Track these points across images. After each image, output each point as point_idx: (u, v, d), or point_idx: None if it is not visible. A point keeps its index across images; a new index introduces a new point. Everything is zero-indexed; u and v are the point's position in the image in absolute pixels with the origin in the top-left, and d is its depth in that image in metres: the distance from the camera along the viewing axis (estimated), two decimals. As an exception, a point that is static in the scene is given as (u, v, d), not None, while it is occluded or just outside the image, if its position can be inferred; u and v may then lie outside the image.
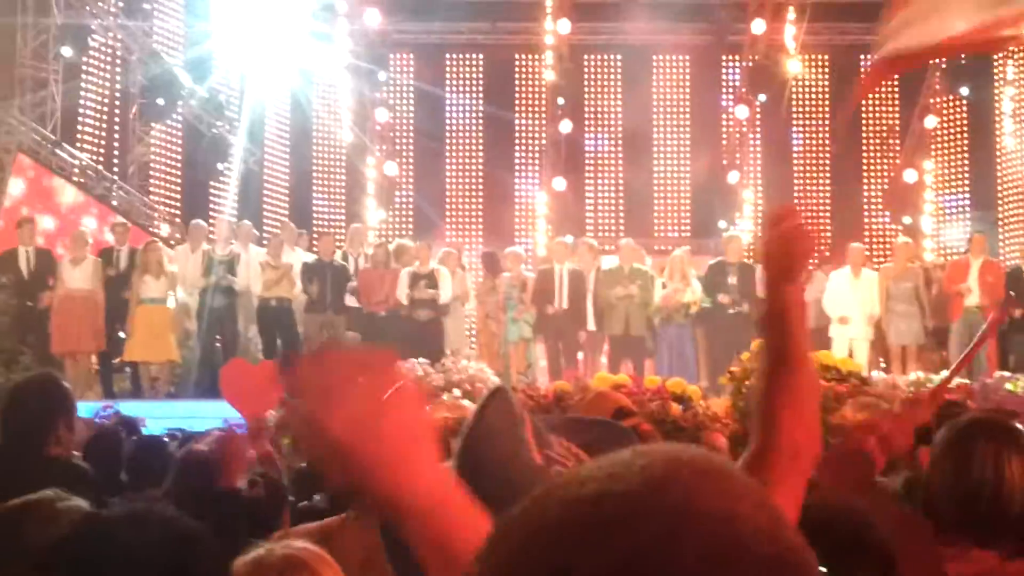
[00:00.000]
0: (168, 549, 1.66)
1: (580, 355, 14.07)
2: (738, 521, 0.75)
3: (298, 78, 18.85)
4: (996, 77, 18.95)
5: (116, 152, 17.48)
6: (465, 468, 1.39)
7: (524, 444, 1.48)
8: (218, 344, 13.92)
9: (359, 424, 1.12)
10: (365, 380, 1.14)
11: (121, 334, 13.67)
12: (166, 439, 5.28)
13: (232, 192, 17.53)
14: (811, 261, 1.98)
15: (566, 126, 18.81)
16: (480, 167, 19.97)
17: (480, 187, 20.00)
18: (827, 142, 20.35)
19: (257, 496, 4.49)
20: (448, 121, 20.20)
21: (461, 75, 20.33)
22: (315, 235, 15.99)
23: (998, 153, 19.19)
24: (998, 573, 2.60)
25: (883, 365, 13.86)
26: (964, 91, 18.74)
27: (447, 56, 20.29)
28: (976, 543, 2.63)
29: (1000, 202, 19.12)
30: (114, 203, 16.61)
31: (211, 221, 15.64)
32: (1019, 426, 2.89)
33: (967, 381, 11.45)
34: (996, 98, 18.93)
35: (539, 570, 0.74)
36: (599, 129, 20.14)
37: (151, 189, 17.85)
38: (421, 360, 12.15)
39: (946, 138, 19.88)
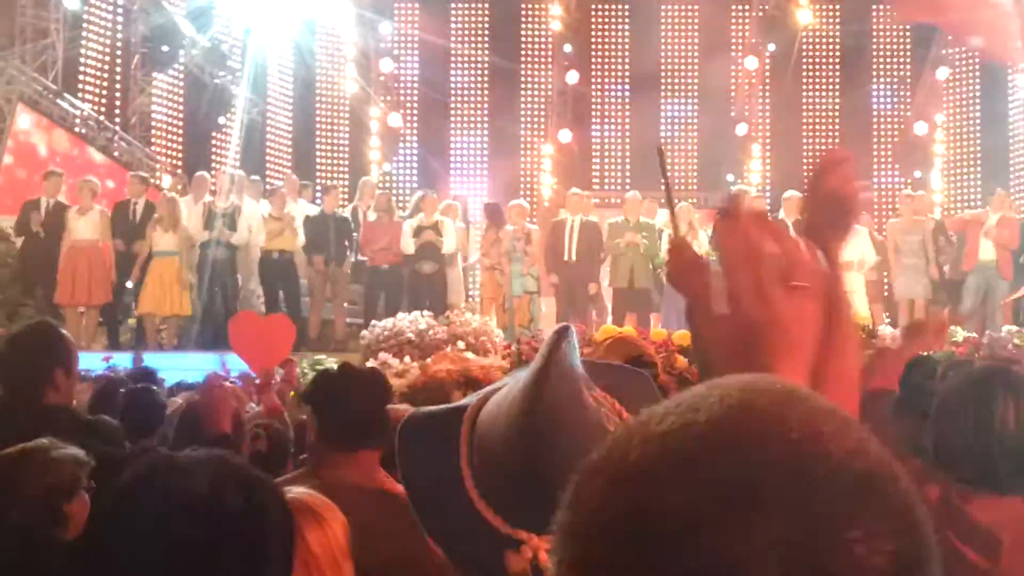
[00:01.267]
0: (242, 495, 1.65)
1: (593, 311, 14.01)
2: (825, 440, 0.74)
3: (301, 28, 18.67)
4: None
5: (118, 103, 17.36)
6: (540, 406, 1.30)
7: (586, 385, 1.43)
8: (218, 297, 13.86)
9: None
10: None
11: (128, 284, 13.62)
12: (155, 389, 5.24)
13: (234, 144, 17.39)
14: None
15: (572, 77, 18.63)
16: (485, 119, 19.80)
17: (485, 139, 19.84)
18: (837, 94, 20.16)
19: (260, 449, 4.46)
20: (453, 72, 20.00)
21: (466, 25, 20.10)
22: (318, 187, 15.91)
23: (1010, 105, 18.98)
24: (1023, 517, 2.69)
25: (887, 320, 13.79)
26: (976, 42, 18.50)
27: (452, 5, 20.06)
28: (998, 491, 2.71)
29: (1011, 154, 18.93)
30: (116, 154, 16.50)
31: (213, 172, 15.56)
32: None
33: (974, 334, 11.39)
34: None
35: (628, 510, 0.74)
36: (606, 80, 19.95)
37: (152, 140, 17.73)
38: (425, 312, 12.10)
39: (958, 90, 19.66)
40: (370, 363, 10.13)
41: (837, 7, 20.07)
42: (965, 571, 2.65)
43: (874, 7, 20.19)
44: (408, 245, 13.83)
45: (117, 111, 17.24)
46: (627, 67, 20.05)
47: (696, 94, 20.08)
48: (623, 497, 0.74)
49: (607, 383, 1.53)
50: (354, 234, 14.21)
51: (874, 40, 20.28)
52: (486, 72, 19.88)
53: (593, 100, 19.78)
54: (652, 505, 0.73)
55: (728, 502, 0.71)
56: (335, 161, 19.60)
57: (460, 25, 20.07)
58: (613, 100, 19.99)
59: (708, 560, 0.71)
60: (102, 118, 16.69)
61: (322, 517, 2.45)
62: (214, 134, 17.99)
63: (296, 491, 2.60)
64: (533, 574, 1.22)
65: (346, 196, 16.24)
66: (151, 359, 10.28)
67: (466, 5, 20.07)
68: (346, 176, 18.55)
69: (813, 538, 0.71)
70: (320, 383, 3.61)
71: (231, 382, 6.52)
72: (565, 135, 18.39)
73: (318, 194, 15.20)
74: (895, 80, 20.04)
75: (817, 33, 19.77)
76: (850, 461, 0.74)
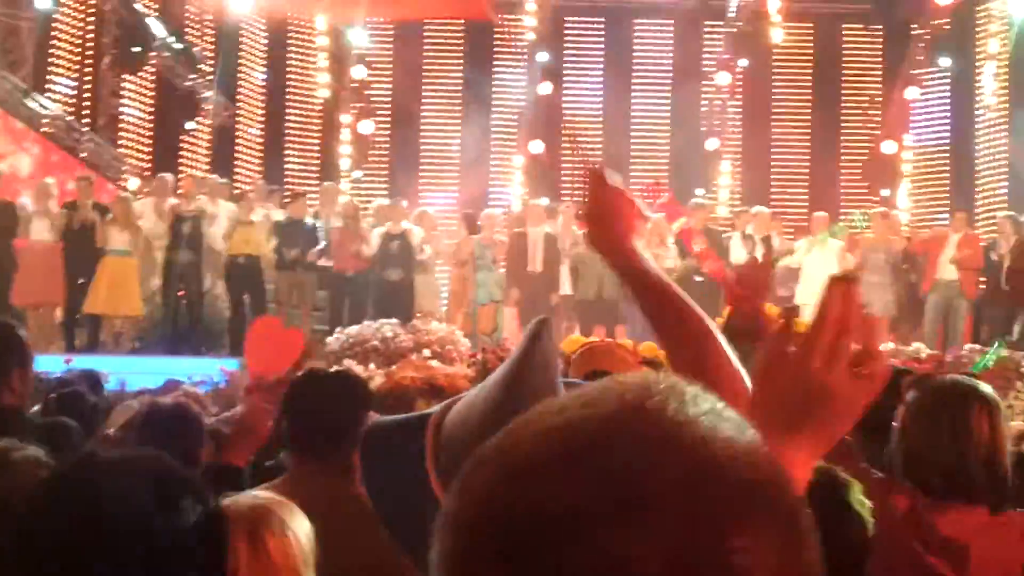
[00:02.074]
0: (158, 494, 1.57)
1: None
2: (716, 445, 0.74)
3: (274, 34, 18.63)
4: (979, 50, 18.88)
5: (87, 104, 17.25)
6: (514, 398, 1.29)
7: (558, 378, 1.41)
8: (182, 301, 13.76)
9: None
10: None
11: (80, 281, 13.50)
12: (86, 393, 5.08)
13: (204, 147, 17.31)
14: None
15: (545, 88, 18.63)
16: (457, 128, 19.77)
17: (456, 148, 19.81)
18: (807, 111, 20.27)
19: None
20: (425, 79, 19.98)
21: (440, 33, 20.08)
22: (287, 193, 15.83)
23: (977, 125, 19.14)
24: (990, 526, 2.72)
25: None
26: (945, 62, 18.67)
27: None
28: (966, 502, 2.74)
29: (978, 175, 19.09)
30: (83, 155, 16.38)
31: (180, 175, 15.48)
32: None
33: (938, 352, 11.47)
34: (978, 71, 18.85)
35: (514, 502, 0.73)
36: (578, 92, 19.97)
37: (121, 142, 17.61)
38: (391, 320, 12.07)
39: (927, 110, 19.81)
40: (334, 370, 10.10)
41: (809, 25, 20.19)
42: None
43: (845, 26, 20.33)
44: (377, 252, 13.80)
45: (86, 112, 17.14)
46: (600, 79, 20.08)
47: (668, 108, 20.14)
48: (511, 489, 0.74)
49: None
50: (322, 241, 14.15)
51: (845, 58, 20.42)
52: (459, 81, 19.87)
53: (565, 112, 19.80)
54: (539, 499, 0.72)
55: (615, 502, 0.71)
56: (305, 167, 19.51)
57: (433, 33, 20.06)
58: (585, 112, 20.01)
59: (591, 558, 0.70)
60: (71, 119, 16.58)
61: (284, 523, 2.42)
62: (183, 137, 17.88)
63: (259, 496, 2.57)
64: None
65: (315, 201, 16.18)
66: (109, 363, 10.18)
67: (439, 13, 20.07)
68: (316, 182, 18.48)
69: (696, 544, 0.70)
70: (291, 388, 3.54)
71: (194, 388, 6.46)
72: (536, 146, 18.38)
73: (286, 199, 15.11)
74: (865, 98, 20.17)
75: (789, 50, 19.86)
76: (739, 469, 0.73)
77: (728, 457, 0.74)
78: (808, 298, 13.48)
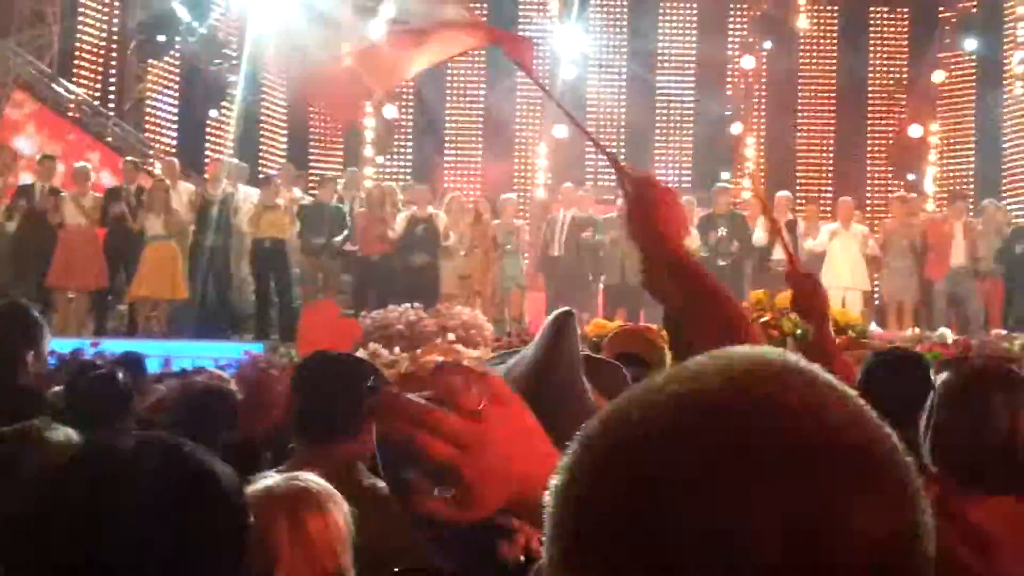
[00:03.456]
0: (180, 482, 1.58)
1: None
2: (822, 413, 0.75)
3: (298, 17, 18.61)
4: (1006, 36, 18.71)
5: (112, 89, 17.32)
6: (540, 393, 1.28)
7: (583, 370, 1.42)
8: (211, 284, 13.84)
9: None
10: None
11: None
12: (120, 375, 5.07)
13: (230, 131, 17.35)
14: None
15: (569, 72, 18.58)
16: (481, 113, 19.75)
17: (480, 132, 19.80)
18: (833, 95, 20.15)
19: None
20: (449, 64, 19.93)
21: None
22: (312, 177, 15.88)
23: (1005, 111, 18.98)
24: (1018, 514, 2.68)
25: (873, 324, 13.83)
26: (971, 46, 18.52)
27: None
28: (991, 490, 2.69)
29: (1004, 159, 18.95)
30: (109, 139, 16.46)
31: (207, 160, 15.54)
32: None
33: (963, 338, 11.42)
34: (1006, 56, 18.69)
35: (628, 476, 0.74)
36: (603, 76, 19.91)
37: (147, 127, 17.68)
38: (415, 305, 12.10)
39: (954, 94, 19.66)
40: (360, 353, 10.13)
41: (835, 8, 20.06)
42: (958, 572, 2.64)
43: (871, 8, 20.18)
44: (402, 236, 13.84)
45: (112, 97, 17.21)
46: (624, 62, 20.02)
47: (692, 92, 20.06)
48: (624, 463, 0.75)
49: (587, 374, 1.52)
50: (348, 224, 14.18)
51: (871, 42, 20.27)
52: (483, 64, 19.83)
53: (588, 96, 19.74)
54: (653, 472, 0.74)
55: (729, 472, 0.72)
56: (329, 151, 19.54)
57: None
58: (609, 96, 19.94)
59: (708, 529, 0.72)
60: (97, 103, 16.66)
61: (323, 504, 2.43)
62: (209, 122, 17.94)
63: (300, 476, 2.58)
64: (527, 562, 1.21)
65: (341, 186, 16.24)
66: (142, 346, 10.25)
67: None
68: (340, 166, 18.50)
69: (812, 509, 0.72)
70: (299, 371, 3.52)
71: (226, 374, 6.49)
72: (560, 130, 18.35)
73: (312, 184, 15.15)
74: (891, 82, 20.04)
75: (814, 34, 19.75)
76: (847, 433, 0.75)
77: (839, 423, 0.75)
78: (832, 283, 13.47)
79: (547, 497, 0.79)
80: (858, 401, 0.78)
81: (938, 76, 18.86)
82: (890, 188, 18.45)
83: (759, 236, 13.87)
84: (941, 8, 18.78)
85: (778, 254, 13.90)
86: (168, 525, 1.54)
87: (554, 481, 0.79)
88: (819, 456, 0.73)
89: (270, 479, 2.54)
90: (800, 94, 20.13)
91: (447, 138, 19.73)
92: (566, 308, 1.46)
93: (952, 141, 19.53)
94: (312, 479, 2.53)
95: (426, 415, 1.06)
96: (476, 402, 1.09)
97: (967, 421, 2.76)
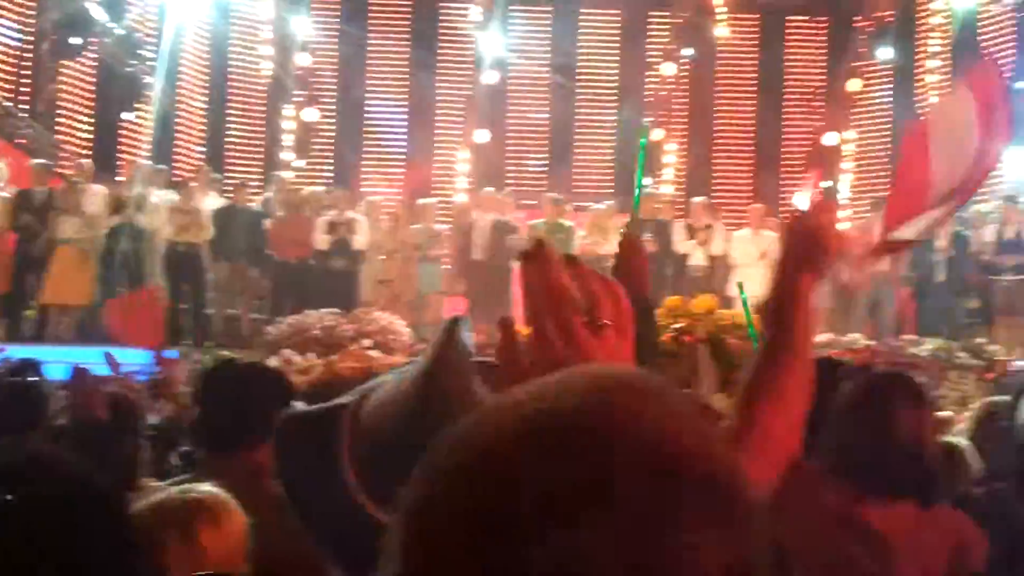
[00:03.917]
0: (57, 497, 1.53)
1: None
2: (672, 441, 0.75)
3: (217, 19, 18.41)
4: (919, 45, 19.08)
5: (25, 89, 16.96)
6: (428, 397, 1.28)
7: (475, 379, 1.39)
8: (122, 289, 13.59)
9: None
10: None
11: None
12: (35, 382, 4.98)
13: (145, 133, 17.09)
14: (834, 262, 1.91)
15: (490, 77, 18.58)
16: (402, 117, 19.67)
17: (402, 136, 19.71)
18: (752, 102, 20.39)
19: (99, 416, 4.21)
20: (370, 68, 19.85)
21: (386, 21, 19.94)
22: (229, 181, 15.69)
23: (920, 118, 19.33)
24: (918, 521, 2.76)
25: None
26: (886, 55, 18.84)
27: (371, 1, 19.89)
28: (895, 497, 2.77)
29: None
30: (21, 141, 16.12)
31: (121, 162, 15.29)
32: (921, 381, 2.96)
33: (873, 342, 11.60)
34: (919, 64, 19.06)
35: (478, 492, 0.74)
36: (524, 81, 19.94)
37: (60, 128, 17.33)
38: (333, 310, 12.01)
39: (869, 102, 19.99)
40: (273, 360, 10.04)
41: (755, 16, 20.30)
42: None
43: (789, 18, 20.47)
44: (322, 241, 13.73)
45: (25, 98, 16.86)
46: (545, 68, 20.06)
47: (614, 98, 20.16)
48: (475, 479, 0.74)
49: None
50: (263, 229, 14.03)
51: (789, 50, 20.54)
52: (405, 70, 19.76)
53: (510, 100, 19.77)
54: (503, 490, 0.73)
55: (576, 495, 0.72)
56: (247, 154, 19.30)
57: (379, 21, 19.92)
58: (530, 101, 19.99)
59: (551, 550, 0.71)
60: (9, 104, 16.31)
61: (217, 516, 2.39)
62: (124, 123, 17.63)
63: (194, 488, 2.53)
64: None
65: (258, 190, 16.09)
66: (50, 353, 10.00)
67: (385, 0, 19.93)
68: (260, 169, 18.30)
69: (651, 538, 0.71)
70: (204, 380, 3.47)
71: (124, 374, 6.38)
72: (481, 135, 18.34)
73: (228, 187, 14.96)
74: (808, 90, 20.32)
75: (733, 42, 19.96)
76: (695, 464, 0.75)
77: (683, 453, 0.74)
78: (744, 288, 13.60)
79: (398, 506, 0.79)
80: (711, 430, 0.78)
81: (854, 84, 19.16)
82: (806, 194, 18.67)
83: (680, 241, 14.00)
84: (858, 17, 19.08)
85: (696, 260, 14.06)
86: (46, 542, 1.49)
87: (401, 497, 0.78)
88: (664, 487, 0.73)
89: (163, 492, 2.51)
90: (718, 101, 20.34)
91: (367, 142, 19.60)
92: (455, 315, 1.45)
93: (867, 149, 19.85)
94: (206, 490, 2.49)
95: (561, 298, 1.12)
96: (604, 316, 1.13)
97: (871, 430, 2.78)
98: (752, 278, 13.49)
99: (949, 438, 5.10)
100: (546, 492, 0.72)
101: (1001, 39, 18.39)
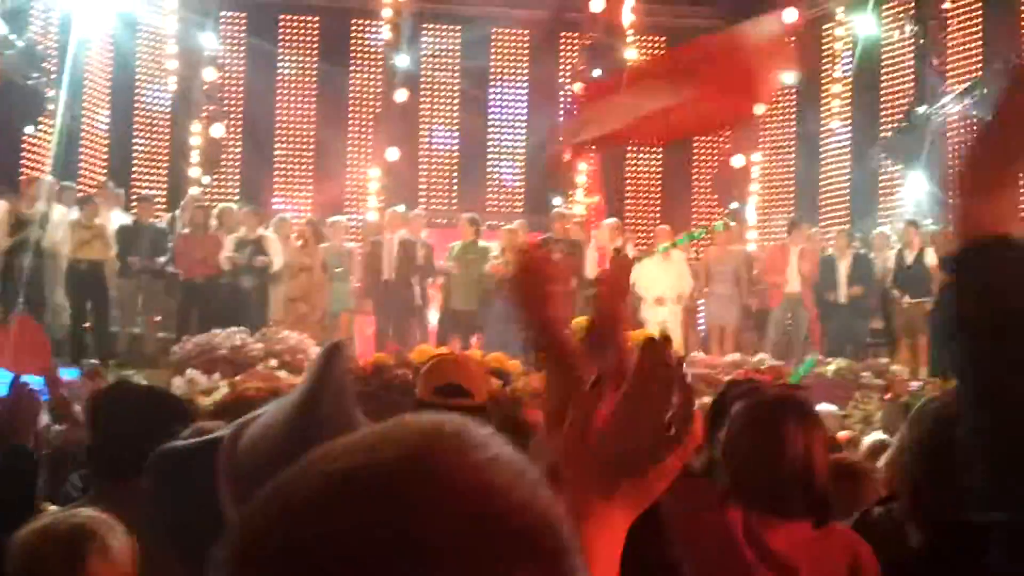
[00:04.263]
0: None
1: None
2: (492, 493, 0.74)
3: (123, 33, 18.11)
4: (824, 70, 19.48)
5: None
6: (307, 425, 1.27)
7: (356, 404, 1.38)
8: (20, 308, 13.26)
9: None
10: None
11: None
12: None
13: (48, 148, 16.71)
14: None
15: (401, 95, 18.56)
16: (312, 134, 19.53)
17: (311, 154, 19.57)
18: (660, 124, 20.61)
19: None
20: (280, 85, 19.69)
21: (295, 38, 19.81)
22: (135, 196, 15.43)
23: (822, 140, 19.74)
24: (814, 540, 2.75)
25: (701, 347, 14.16)
26: (791, 79, 19.19)
27: (281, 17, 19.75)
28: (788, 517, 2.76)
29: (822, 189, 19.69)
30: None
31: (23, 177, 14.94)
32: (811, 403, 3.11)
33: (781, 362, 11.78)
34: (824, 87, 19.46)
35: (287, 548, 0.72)
36: (435, 100, 19.95)
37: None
38: (240, 328, 11.85)
39: (775, 125, 20.35)
40: (178, 380, 9.89)
41: (663, 38, 20.55)
42: None
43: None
44: (227, 260, 13.54)
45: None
46: (456, 87, 20.10)
47: (524, 117, 20.26)
48: (285, 534, 0.72)
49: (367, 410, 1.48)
50: (168, 246, 13.81)
51: (697, 72, 20.83)
52: (314, 86, 19.64)
53: (421, 119, 19.76)
54: (311, 546, 0.71)
55: (391, 552, 0.70)
56: (153, 170, 18.99)
57: (288, 37, 19.78)
58: (441, 119, 20.00)
59: None
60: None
61: (104, 541, 2.33)
62: (25, 138, 17.23)
63: (78, 514, 2.47)
64: None
65: (164, 207, 15.86)
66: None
67: (294, 17, 19.79)
68: (165, 186, 18.02)
69: None
70: (97, 403, 3.36)
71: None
72: (392, 153, 18.29)
73: (133, 204, 14.71)
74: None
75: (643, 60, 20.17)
76: (513, 517, 0.73)
77: (503, 505, 0.74)
78: (652, 310, 13.73)
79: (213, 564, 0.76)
80: (534, 479, 0.77)
81: (759, 108, 19.44)
82: (715, 216, 18.95)
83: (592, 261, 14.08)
84: (763, 42, 19.41)
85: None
86: None
87: (222, 543, 0.76)
88: (482, 539, 0.72)
89: (48, 517, 2.45)
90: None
91: (277, 158, 19.43)
92: (335, 340, 1.43)
93: (773, 171, 20.20)
94: (92, 514, 2.44)
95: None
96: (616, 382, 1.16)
97: (763, 450, 2.80)
98: (659, 297, 13.69)
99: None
100: (357, 544, 0.70)
101: (902, 65, 18.88)
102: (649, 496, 1.18)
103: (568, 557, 0.76)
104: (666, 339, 1.21)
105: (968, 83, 17.16)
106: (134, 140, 18.89)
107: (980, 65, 17.35)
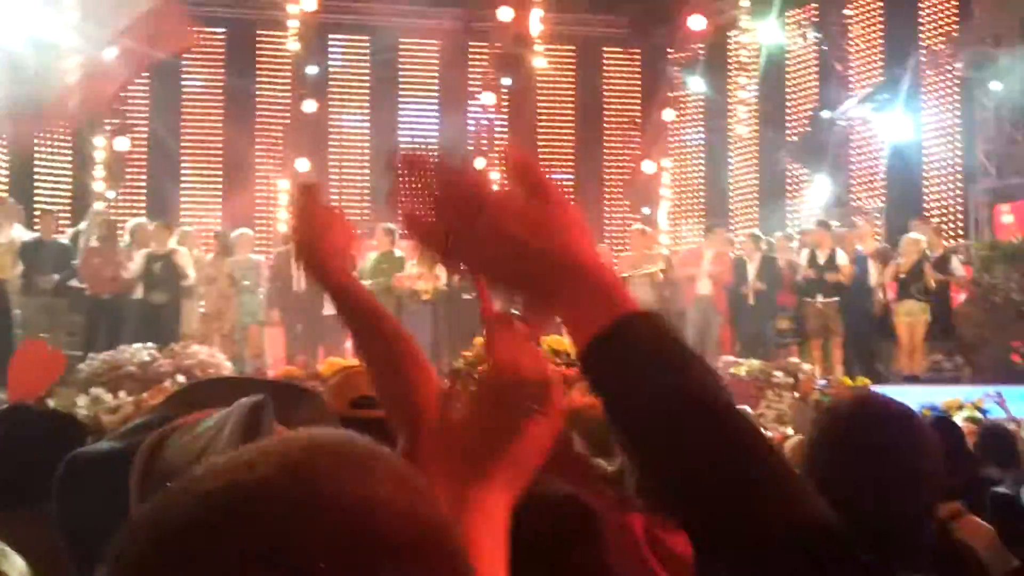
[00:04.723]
0: None
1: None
2: (374, 506, 0.73)
3: (21, 43, 17.70)
4: (729, 78, 19.73)
5: None
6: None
7: None
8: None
9: None
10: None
11: None
12: None
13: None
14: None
15: (310, 105, 18.41)
16: (219, 146, 19.28)
17: (219, 166, 19.32)
18: (571, 131, 20.75)
19: None
20: (185, 96, 19.41)
21: (200, 48, 19.52)
22: (36, 212, 15.07)
23: (731, 147, 20.02)
24: None
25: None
26: (697, 86, 19.44)
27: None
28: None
29: (731, 193, 19.96)
30: None
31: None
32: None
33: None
34: (730, 94, 19.72)
35: (168, 570, 0.70)
36: (344, 111, 19.83)
37: None
38: (148, 344, 11.63)
39: (683, 131, 20.59)
40: (82, 398, 9.66)
41: (571, 48, 20.68)
42: None
43: (605, 48, 20.93)
44: (133, 275, 13.28)
45: None
46: (366, 97, 20.00)
47: (435, 127, 20.23)
48: (159, 559, 0.71)
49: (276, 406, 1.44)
50: (73, 262, 13.51)
51: (606, 80, 21.02)
52: (221, 98, 19.40)
53: (331, 129, 19.62)
54: (190, 564, 0.69)
55: (268, 569, 0.68)
56: (56, 185, 18.56)
57: (194, 49, 19.48)
58: (352, 130, 19.89)
59: None
60: None
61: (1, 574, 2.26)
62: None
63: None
64: None
65: (67, 221, 15.52)
66: None
67: (200, 30, 19.49)
68: (68, 200, 17.63)
69: None
70: None
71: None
72: (302, 164, 18.12)
73: (35, 219, 14.37)
74: (625, 119, 20.80)
75: (551, 72, 20.27)
76: (395, 530, 0.72)
77: (385, 518, 0.72)
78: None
79: None
80: (418, 490, 0.76)
81: (668, 114, 19.69)
82: (627, 221, 19.09)
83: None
84: (670, 50, 19.62)
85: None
86: None
87: (99, 569, 0.74)
88: (362, 554, 0.70)
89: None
90: (540, 130, 20.63)
91: (183, 171, 19.13)
92: (256, 399, 1.38)
93: (682, 177, 20.43)
94: None
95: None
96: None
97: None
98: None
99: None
100: (231, 566, 0.68)
101: (806, 72, 19.22)
102: (523, 475, 1.16)
103: (454, 564, 0.75)
104: None
105: (870, 87, 17.53)
106: (35, 154, 18.45)
107: (881, 69, 17.73)
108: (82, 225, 14.48)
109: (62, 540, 1.31)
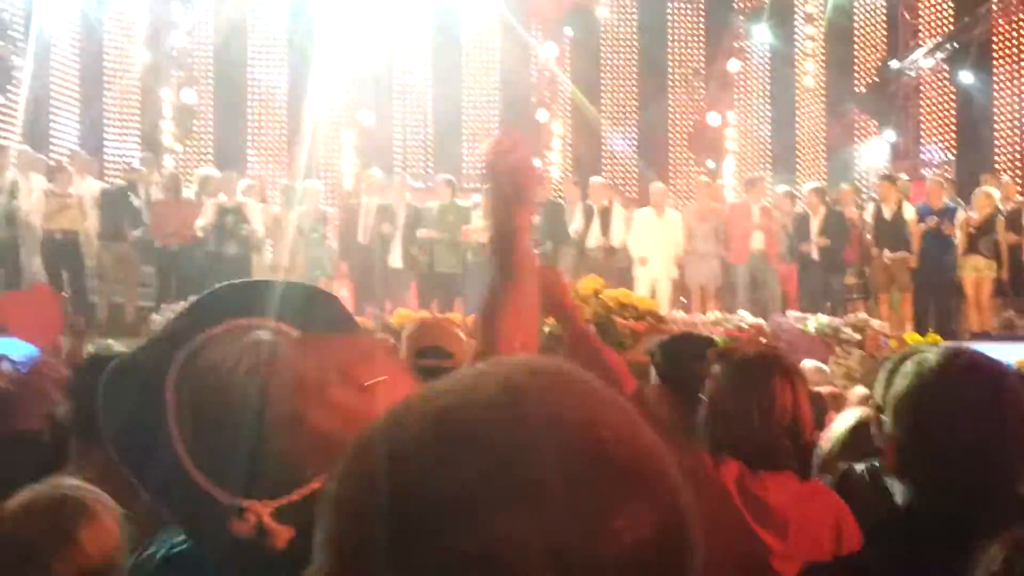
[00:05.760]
0: None
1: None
2: (596, 427, 0.74)
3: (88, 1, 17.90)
4: (797, 25, 19.45)
5: None
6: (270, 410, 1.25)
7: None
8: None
9: None
10: None
11: None
12: None
13: (16, 117, 16.52)
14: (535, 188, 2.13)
15: (376, 61, 18.40)
16: (284, 97, 19.36)
17: (284, 117, 19.41)
18: (634, 82, 20.58)
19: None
20: (251, 47, 19.49)
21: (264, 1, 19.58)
22: (107, 164, 15.29)
23: (797, 98, 19.76)
24: (802, 494, 2.83)
25: (684, 302, 14.14)
26: (763, 36, 19.16)
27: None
28: (777, 468, 2.82)
29: (799, 147, 19.73)
30: None
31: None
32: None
33: (761, 321, 11.80)
34: (797, 47, 19.44)
35: (398, 486, 0.73)
36: (409, 62, 19.80)
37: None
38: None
39: (749, 83, 20.34)
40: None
41: (635, -1, 20.47)
42: (761, 552, 2.73)
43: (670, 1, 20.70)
44: (202, 228, 13.41)
45: None
46: (430, 49, 19.95)
47: (497, 79, 20.14)
48: (394, 472, 0.74)
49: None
50: (144, 214, 13.69)
51: (670, 30, 20.78)
52: (285, 49, 19.45)
53: (395, 85, 19.62)
54: (423, 483, 0.72)
55: (498, 487, 0.71)
56: (125, 137, 18.81)
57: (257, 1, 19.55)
58: (415, 83, 19.87)
59: (473, 544, 0.71)
60: None
61: (93, 512, 2.31)
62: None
63: (63, 485, 2.45)
64: (258, 537, 1.19)
65: (138, 174, 15.70)
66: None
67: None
68: (136, 152, 17.86)
69: (578, 526, 0.71)
70: (78, 372, 3.32)
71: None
72: (367, 116, 18.17)
73: (108, 172, 14.58)
74: (689, 70, 20.58)
75: (615, 23, 20.10)
76: (619, 450, 0.74)
77: (607, 438, 0.74)
78: (646, 269, 13.73)
79: (320, 504, 0.78)
80: (634, 416, 0.78)
81: (733, 65, 19.47)
82: (691, 174, 18.96)
83: (576, 223, 13.99)
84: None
85: (592, 242, 14.03)
86: None
87: (327, 487, 0.78)
88: (588, 475, 0.72)
89: (31, 491, 2.41)
90: (603, 82, 20.48)
91: (250, 123, 19.26)
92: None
93: (748, 128, 20.21)
94: (75, 484, 2.41)
95: None
96: None
97: (744, 409, 2.84)
98: (655, 258, 13.68)
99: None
100: (464, 480, 0.71)
101: (874, 21, 18.88)
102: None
103: (676, 496, 0.76)
104: None
105: (939, 37, 17.19)
106: (104, 108, 18.69)
107: (952, 18, 17.38)
108: (155, 177, 14.57)
109: (113, 453, 1.36)
